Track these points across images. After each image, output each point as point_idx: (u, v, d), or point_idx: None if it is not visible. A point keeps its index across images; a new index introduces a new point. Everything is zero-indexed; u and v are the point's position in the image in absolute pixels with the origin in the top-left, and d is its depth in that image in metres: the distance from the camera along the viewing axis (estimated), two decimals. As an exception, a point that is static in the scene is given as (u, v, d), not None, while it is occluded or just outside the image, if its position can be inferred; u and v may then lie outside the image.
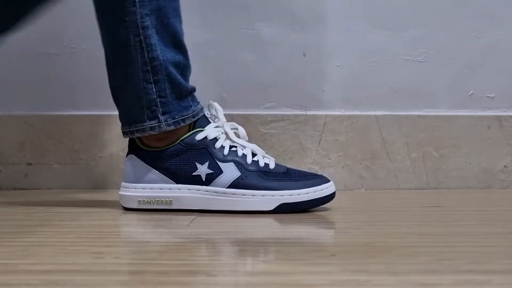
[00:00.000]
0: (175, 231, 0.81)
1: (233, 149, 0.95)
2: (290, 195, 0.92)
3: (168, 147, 0.95)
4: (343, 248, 0.69)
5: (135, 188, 0.96)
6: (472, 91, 1.35)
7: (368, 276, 0.55)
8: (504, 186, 1.33)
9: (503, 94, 1.35)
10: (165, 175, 0.95)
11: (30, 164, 1.34)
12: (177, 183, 0.95)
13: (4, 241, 0.72)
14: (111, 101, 1.35)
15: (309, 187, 0.93)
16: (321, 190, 0.93)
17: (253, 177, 0.93)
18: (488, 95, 1.35)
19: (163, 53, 0.93)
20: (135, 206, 0.96)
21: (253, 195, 0.93)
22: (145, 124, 0.95)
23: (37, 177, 1.33)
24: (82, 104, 1.35)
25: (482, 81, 1.35)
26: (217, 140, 0.95)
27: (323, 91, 1.32)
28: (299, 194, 0.93)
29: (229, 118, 1.33)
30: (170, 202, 0.95)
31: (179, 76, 0.94)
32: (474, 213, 0.98)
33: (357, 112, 1.31)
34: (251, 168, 0.94)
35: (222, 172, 0.94)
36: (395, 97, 1.34)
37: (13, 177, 1.34)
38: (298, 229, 0.83)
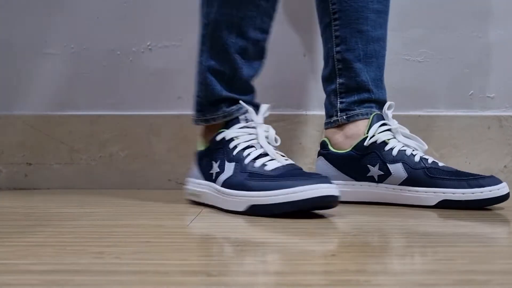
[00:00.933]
0: (175, 231, 0.81)
1: (248, 150, 0.96)
2: (262, 197, 0.87)
3: (205, 147, 1.03)
4: (343, 248, 0.69)
5: (189, 182, 1.06)
6: (472, 91, 1.36)
7: (368, 276, 0.55)
8: (504, 186, 1.33)
9: (503, 94, 1.35)
10: (200, 172, 1.03)
11: (30, 164, 1.34)
12: (204, 179, 1.01)
13: (4, 241, 0.72)
14: (111, 101, 1.36)
15: (289, 187, 0.85)
16: (302, 192, 0.85)
17: (240, 176, 0.93)
18: (488, 95, 1.35)
19: (207, 60, 1.01)
20: (187, 197, 1.05)
21: (231, 195, 0.93)
22: (193, 115, 1.06)
23: (37, 177, 1.33)
24: (82, 104, 1.35)
25: (482, 81, 1.35)
26: (232, 140, 0.98)
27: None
28: (269, 196, 0.86)
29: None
30: (199, 196, 1.02)
31: (216, 83, 1.01)
32: (474, 213, 0.98)
33: (357, 112, 1.31)
34: (246, 168, 0.93)
35: (224, 171, 0.95)
36: (395, 97, 1.34)
37: (13, 177, 1.34)
38: (298, 229, 0.83)
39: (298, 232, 0.80)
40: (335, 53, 1.09)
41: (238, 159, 0.95)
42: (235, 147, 0.97)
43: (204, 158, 1.02)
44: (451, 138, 1.33)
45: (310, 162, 1.31)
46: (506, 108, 1.35)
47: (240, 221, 0.88)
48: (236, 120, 1.00)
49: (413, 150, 1.02)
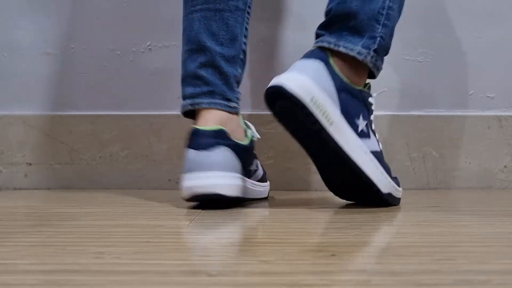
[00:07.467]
0: (175, 231, 0.81)
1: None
2: None
3: (356, 87, 0.98)
4: (343, 248, 0.69)
5: (315, 85, 0.92)
6: (472, 91, 1.36)
7: (368, 276, 0.55)
8: (504, 186, 1.33)
9: (503, 94, 1.35)
10: (336, 97, 0.96)
11: (30, 164, 1.34)
12: (341, 112, 0.96)
13: (4, 241, 0.72)
14: (111, 101, 1.36)
15: None
16: None
17: None
18: (488, 95, 1.35)
19: (397, 10, 1.02)
20: (306, 101, 0.90)
21: None
22: (356, 47, 0.97)
23: (37, 177, 1.33)
24: (82, 104, 1.35)
25: (482, 81, 1.35)
26: (372, 112, 1.01)
27: (323, 91, 1.32)
28: None
29: (229, 118, 1.33)
30: (331, 124, 0.92)
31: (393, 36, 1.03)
32: (474, 213, 0.98)
33: (357, 112, 1.31)
34: None
35: None
36: (395, 97, 1.34)
37: (13, 177, 1.34)
38: (298, 229, 0.83)
39: (298, 232, 0.80)
40: (242, 42, 1.04)
41: None
42: (372, 121, 1.03)
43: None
44: (451, 138, 1.33)
45: (310, 162, 1.31)
46: (506, 108, 1.35)
47: (240, 221, 0.88)
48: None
49: None
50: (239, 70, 1.04)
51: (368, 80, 1.01)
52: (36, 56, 1.35)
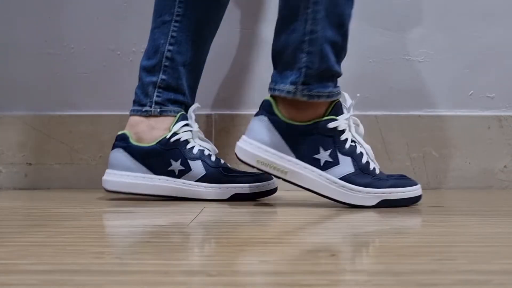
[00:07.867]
0: (175, 231, 0.81)
1: (352, 144, 1.01)
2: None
3: (305, 123, 0.99)
4: (343, 248, 0.69)
5: (258, 148, 1.00)
6: (472, 91, 1.36)
7: (368, 276, 0.55)
8: (504, 186, 1.33)
9: (503, 94, 1.35)
10: (286, 145, 1.00)
11: (30, 164, 1.34)
12: (297, 158, 0.99)
13: (4, 241, 0.72)
14: (111, 101, 1.36)
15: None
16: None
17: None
18: (488, 95, 1.35)
19: (324, 29, 0.97)
20: (254, 164, 1.00)
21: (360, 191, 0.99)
22: (285, 86, 0.99)
23: (37, 177, 1.33)
24: (82, 104, 1.35)
25: (482, 81, 1.35)
26: (344, 132, 1.00)
27: (323, 91, 1.32)
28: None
29: (229, 118, 1.33)
30: (285, 173, 0.99)
31: (331, 55, 0.98)
32: (474, 213, 0.98)
33: (357, 112, 1.31)
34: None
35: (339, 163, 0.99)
36: (395, 97, 1.34)
37: (13, 177, 1.34)
38: (298, 229, 0.83)
39: (298, 232, 0.80)
40: (166, 50, 1.13)
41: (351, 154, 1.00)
42: (346, 140, 0.99)
43: (304, 137, 0.98)
44: (451, 138, 1.33)
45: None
46: (506, 108, 1.35)
47: (240, 221, 0.88)
48: (340, 106, 1.01)
49: (209, 151, 1.13)
50: (161, 76, 1.13)
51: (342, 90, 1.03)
52: (36, 56, 1.35)
